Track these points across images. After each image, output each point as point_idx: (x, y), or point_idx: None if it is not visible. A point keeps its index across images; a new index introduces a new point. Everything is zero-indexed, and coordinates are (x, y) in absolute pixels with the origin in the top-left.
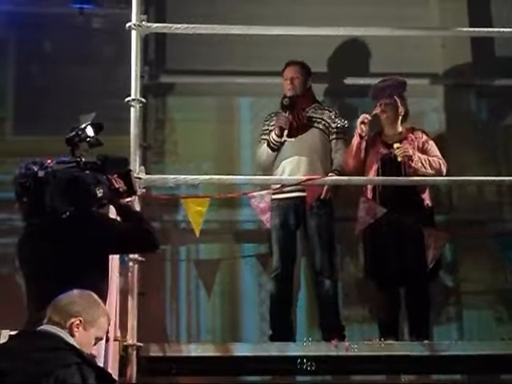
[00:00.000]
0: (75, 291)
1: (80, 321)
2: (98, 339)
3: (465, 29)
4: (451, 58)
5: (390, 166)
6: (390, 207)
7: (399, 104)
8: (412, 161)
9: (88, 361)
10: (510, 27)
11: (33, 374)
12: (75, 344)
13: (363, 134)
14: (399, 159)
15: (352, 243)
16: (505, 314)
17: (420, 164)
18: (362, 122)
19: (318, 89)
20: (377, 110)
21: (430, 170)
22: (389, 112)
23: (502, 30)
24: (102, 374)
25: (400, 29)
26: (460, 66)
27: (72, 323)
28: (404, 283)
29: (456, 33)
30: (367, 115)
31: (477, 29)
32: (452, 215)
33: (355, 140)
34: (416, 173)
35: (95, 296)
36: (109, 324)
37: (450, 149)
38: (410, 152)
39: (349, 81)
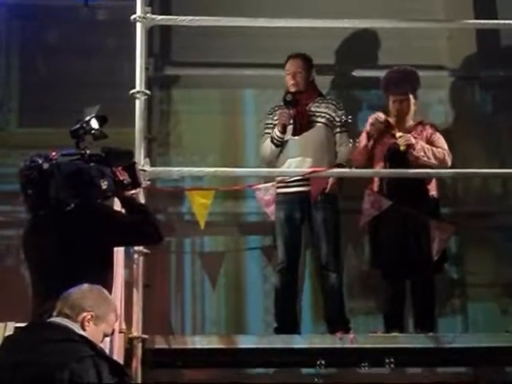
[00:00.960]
0: (86, 285)
1: (92, 316)
2: (105, 335)
3: (470, 21)
4: (457, 49)
5: (397, 158)
6: (395, 199)
7: (413, 101)
8: (414, 149)
9: (100, 353)
10: None
11: (47, 365)
12: (87, 336)
13: (373, 135)
14: (401, 148)
15: (357, 236)
16: (510, 306)
17: (422, 153)
18: (372, 124)
19: (324, 81)
20: (392, 108)
21: (433, 160)
22: (402, 109)
23: (507, 21)
24: (115, 366)
25: (406, 21)
26: (466, 57)
27: (84, 317)
28: (409, 275)
29: (461, 25)
30: (381, 116)
31: (482, 21)
32: (457, 207)
33: (363, 139)
34: (418, 162)
35: (105, 291)
36: (116, 320)
37: (455, 140)
38: (413, 140)
39: (354, 73)
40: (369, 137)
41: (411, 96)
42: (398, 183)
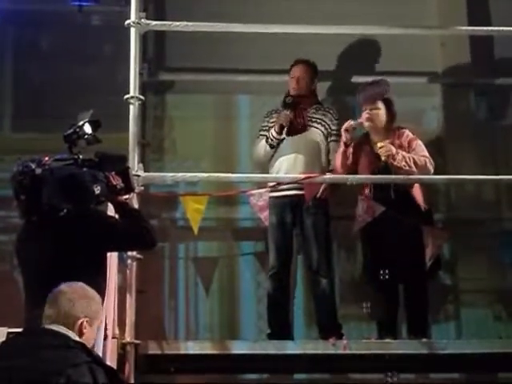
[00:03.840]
0: (66, 288)
1: (87, 321)
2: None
3: (464, 27)
4: (450, 56)
5: (382, 170)
6: (387, 206)
7: (383, 110)
8: (394, 160)
9: (97, 359)
10: (508, 26)
11: (43, 371)
12: (84, 342)
13: (348, 142)
14: (383, 158)
15: (350, 241)
16: (503, 313)
17: (404, 163)
18: (346, 130)
19: (319, 86)
20: (362, 119)
21: (414, 169)
22: (373, 119)
23: (500, 28)
24: (111, 372)
25: (399, 27)
26: (459, 64)
27: (81, 324)
28: (402, 282)
29: (455, 31)
30: (352, 122)
31: (476, 28)
32: (450, 214)
33: (341, 147)
34: (401, 172)
35: (86, 286)
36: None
37: (448, 147)
38: (394, 151)
39: (348, 79)
40: (346, 145)
41: (381, 105)
42: (386, 193)
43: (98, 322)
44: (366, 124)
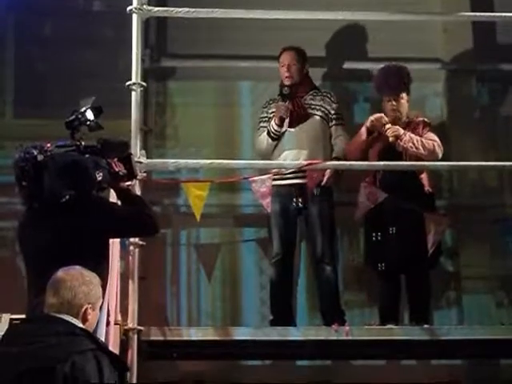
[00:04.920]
0: (63, 274)
1: (90, 307)
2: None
3: (466, 13)
4: (453, 42)
5: (393, 156)
6: (390, 193)
7: (406, 99)
8: (401, 140)
9: (102, 347)
10: (511, 11)
11: (49, 358)
12: (88, 329)
13: (372, 132)
14: (390, 139)
15: (353, 228)
16: (505, 299)
17: (411, 144)
18: (377, 120)
19: (320, 73)
20: (387, 110)
21: (422, 151)
22: (397, 109)
23: (503, 14)
24: (116, 359)
25: (401, 13)
26: (462, 50)
27: (85, 311)
28: (404, 268)
29: (458, 17)
30: (385, 118)
31: (478, 13)
32: (453, 200)
33: (363, 134)
34: (408, 154)
35: (83, 270)
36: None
37: (450, 134)
38: (401, 131)
39: (350, 65)
40: (368, 132)
41: (403, 94)
42: (391, 179)
43: (99, 303)
44: (391, 114)
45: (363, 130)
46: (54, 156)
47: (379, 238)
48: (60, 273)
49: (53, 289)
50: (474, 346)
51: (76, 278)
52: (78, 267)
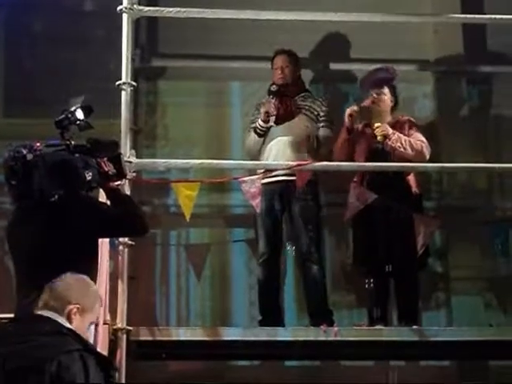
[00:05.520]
0: (70, 275)
1: (78, 308)
2: (90, 324)
3: (457, 15)
4: (443, 44)
5: (379, 156)
6: (380, 192)
7: (389, 95)
8: (390, 140)
9: (88, 347)
10: (501, 14)
11: (35, 358)
12: (74, 329)
13: (350, 127)
14: (378, 138)
15: (342, 228)
16: (493, 301)
17: (399, 143)
18: (350, 115)
19: (309, 74)
20: (366, 102)
21: (409, 151)
22: (379, 103)
23: (493, 16)
24: (103, 360)
25: (392, 14)
26: (452, 52)
27: (70, 310)
28: (393, 269)
29: (448, 19)
30: (355, 107)
31: (469, 15)
32: (442, 202)
33: (343, 133)
34: (396, 154)
35: (89, 280)
36: (100, 307)
37: (440, 135)
38: (390, 131)
39: (340, 67)
40: (348, 130)
41: (387, 91)
42: (379, 180)
43: (90, 317)
44: (373, 107)
45: (343, 130)
46: (44, 155)
47: (368, 238)
48: (68, 274)
49: (49, 287)
50: (463, 348)
51: (79, 280)
52: (86, 277)
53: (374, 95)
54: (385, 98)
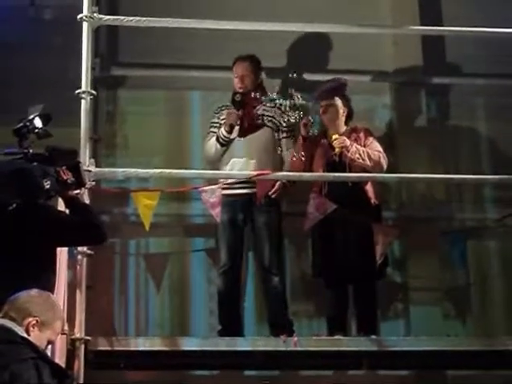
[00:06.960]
0: (35, 290)
1: (36, 321)
2: (49, 342)
3: (416, 27)
4: (403, 55)
5: (337, 166)
6: (339, 202)
7: (340, 104)
8: (348, 151)
9: (43, 356)
10: (459, 26)
11: None
12: (30, 339)
13: (306, 136)
14: (336, 150)
15: (301, 238)
16: (451, 311)
17: (357, 155)
18: (305, 125)
19: (270, 83)
20: (321, 115)
21: (368, 162)
22: (330, 113)
23: (452, 28)
24: (57, 369)
25: (352, 26)
26: (411, 63)
27: (29, 322)
28: (352, 280)
29: (407, 31)
30: (310, 117)
31: (428, 27)
32: (401, 212)
33: (299, 141)
34: (354, 165)
35: (53, 298)
36: (62, 328)
37: (399, 146)
38: (348, 143)
39: (300, 77)
40: (304, 139)
41: (338, 101)
42: (338, 191)
43: (49, 334)
44: (325, 117)
45: (300, 137)
46: (1, 163)
47: (327, 248)
48: (32, 290)
49: (12, 299)
50: (421, 357)
51: (43, 296)
52: (52, 295)
53: (324, 105)
54: (334, 108)
